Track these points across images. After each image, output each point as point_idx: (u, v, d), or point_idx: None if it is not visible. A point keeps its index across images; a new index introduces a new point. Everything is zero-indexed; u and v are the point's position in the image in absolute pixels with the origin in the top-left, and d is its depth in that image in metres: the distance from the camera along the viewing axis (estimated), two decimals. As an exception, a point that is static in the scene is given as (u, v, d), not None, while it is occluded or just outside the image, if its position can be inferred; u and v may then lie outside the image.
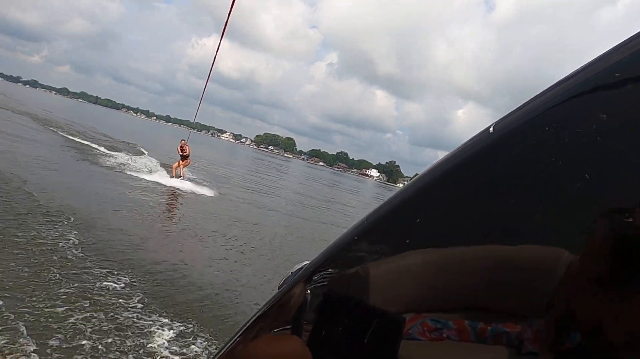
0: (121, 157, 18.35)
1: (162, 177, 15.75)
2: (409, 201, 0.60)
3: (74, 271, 5.33)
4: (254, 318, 0.83)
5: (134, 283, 5.49)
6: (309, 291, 0.73)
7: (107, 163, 16.43)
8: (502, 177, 0.50)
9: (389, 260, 0.61)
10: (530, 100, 0.50)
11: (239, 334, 0.85)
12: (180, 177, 16.61)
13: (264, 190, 21.35)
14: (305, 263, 0.77)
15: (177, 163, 17.03)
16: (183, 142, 17.25)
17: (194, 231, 9.53)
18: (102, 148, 20.21)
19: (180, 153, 17.16)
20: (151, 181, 14.55)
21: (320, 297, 0.73)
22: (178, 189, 14.99)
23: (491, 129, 0.51)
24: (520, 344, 0.45)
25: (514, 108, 0.51)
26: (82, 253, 6.10)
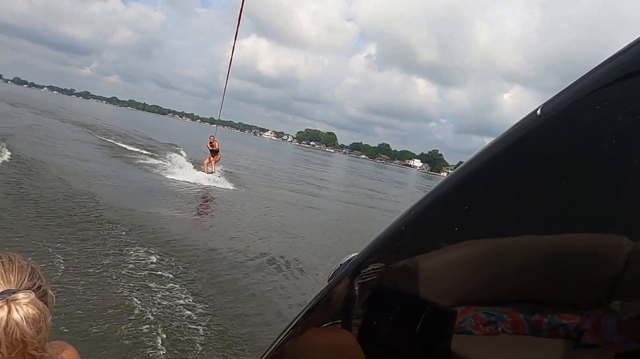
0: (161, 158, 18.89)
1: (195, 175, 15.94)
2: (456, 188, 0.59)
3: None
4: (304, 312, 0.84)
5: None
6: (358, 284, 0.73)
7: (148, 163, 17.04)
8: (553, 160, 0.48)
9: (437, 250, 0.60)
10: (579, 79, 0.47)
11: (289, 328, 0.86)
12: (212, 172, 16.77)
13: (304, 189, 21.41)
14: (353, 254, 0.77)
15: (207, 159, 17.18)
16: (212, 137, 17.32)
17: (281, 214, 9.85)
18: (144, 151, 20.90)
19: (210, 148, 17.32)
20: (185, 180, 14.83)
21: (369, 289, 0.73)
22: (213, 186, 15.24)
23: (539, 111, 0.49)
24: (579, 337, 0.43)
25: (562, 89, 0.50)
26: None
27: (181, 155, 21.17)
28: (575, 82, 0.47)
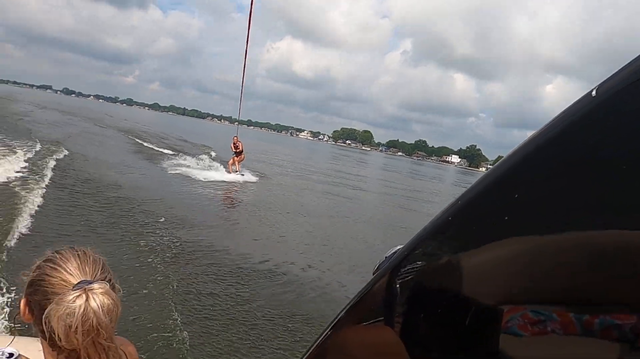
0: (192, 160, 18.92)
1: (222, 175, 16.20)
2: (506, 176, 0.56)
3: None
4: (347, 307, 0.83)
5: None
6: (401, 278, 0.72)
7: (182, 163, 17.29)
8: (612, 145, 0.45)
9: (485, 243, 0.58)
10: (638, 57, 0.44)
11: (332, 325, 0.85)
12: (237, 172, 16.89)
13: (337, 190, 21.31)
14: (398, 247, 0.75)
15: (232, 160, 17.28)
16: (235, 138, 17.35)
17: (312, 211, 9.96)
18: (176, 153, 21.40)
19: (234, 150, 17.36)
20: (215, 180, 14.96)
21: (412, 284, 0.71)
22: (240, 182, 15.54)
23: (594, 92, 0.47)
24: (635, 338, 0.40)
25: (619, 68, 0.47)
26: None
27: (210, 155, 21.56)
28: (634, 59, 0.44)
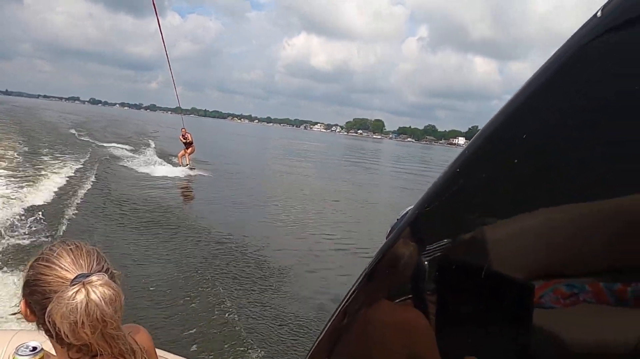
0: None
1: (171, 169, 15.32)
2: (514, 115, 0.52)
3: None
4: (361, 279, 0.75)
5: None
6: (413, 244, 0.66)
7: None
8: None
9: (498, 206, 0.53)
10: None
11: (347, 300, 0.77)
12: (187, 165, 16.13)
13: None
14: (410, 208, 0.68)
15: (182, 152, 16.47)
16: (183, 130, 16.43)
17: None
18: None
19: (183, 141, 16.56)
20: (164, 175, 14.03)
21: (424, 251, 0.64)
22: (187, 176, 14.54)
23: (599, 13, 0.43)
24: None
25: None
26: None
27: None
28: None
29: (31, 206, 7.56)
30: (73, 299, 0.86)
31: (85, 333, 0.87)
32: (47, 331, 0.93)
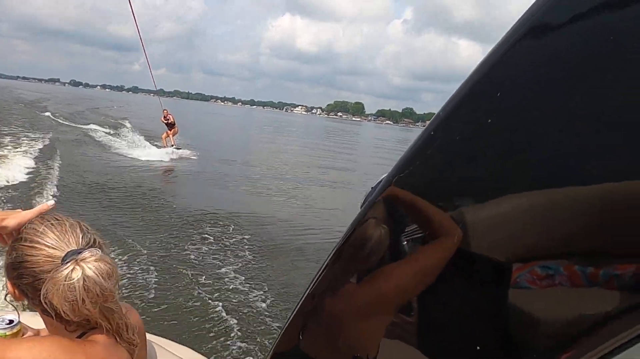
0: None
1: (157, 151, 15.07)
2: (494, 67, 0.49)
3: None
4: (332, 254, 0.70)
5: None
6: (389, 213, 0.63)
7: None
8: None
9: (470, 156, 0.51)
10: None
11: (318, 276, 0.72)
12: (172, 145, 15.94)
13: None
14: (384, 176, 0.63)
15: (165, 134, 16.32)
16: (165, 111, 16.20)
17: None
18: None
19: (165, 122, 16.37)
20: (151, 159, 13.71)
21: (401, 221, 0.62)
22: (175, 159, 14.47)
23: None
24: (637, 286, 0.38)
25: None
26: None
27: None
28: None
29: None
30: (70, 279, 0.83)
31: (87, 308, 0.85)
32: (44, 311, 0.89)
